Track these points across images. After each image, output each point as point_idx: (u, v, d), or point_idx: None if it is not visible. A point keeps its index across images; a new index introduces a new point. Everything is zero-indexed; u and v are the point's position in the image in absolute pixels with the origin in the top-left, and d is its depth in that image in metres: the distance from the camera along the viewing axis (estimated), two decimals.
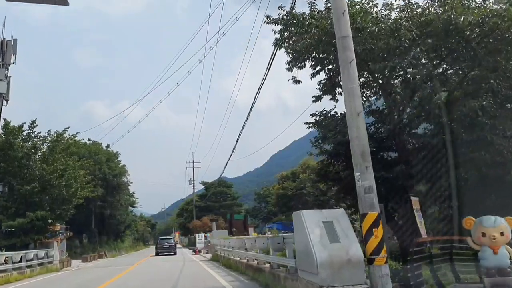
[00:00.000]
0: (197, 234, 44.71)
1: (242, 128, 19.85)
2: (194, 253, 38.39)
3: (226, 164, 37.92)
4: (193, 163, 65.19)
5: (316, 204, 34.47)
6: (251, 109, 17.06)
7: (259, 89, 14.57)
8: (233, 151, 24.75)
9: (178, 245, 54.40)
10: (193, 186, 65.21)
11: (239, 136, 21.17)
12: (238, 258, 17.13)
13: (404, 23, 11.71)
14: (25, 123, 24.48)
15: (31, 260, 21.85)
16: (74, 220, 45.13)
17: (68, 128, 25.91)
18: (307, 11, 12.69)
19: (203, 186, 74.17)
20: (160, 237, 46.78)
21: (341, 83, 11.01)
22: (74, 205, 25.84)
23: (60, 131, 25.57)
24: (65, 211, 25.27)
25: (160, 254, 36.93)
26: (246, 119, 18.32)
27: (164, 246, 38.46)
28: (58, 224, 33.28)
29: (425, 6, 12.24)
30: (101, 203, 44.37)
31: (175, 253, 37.64)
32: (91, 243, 46.77)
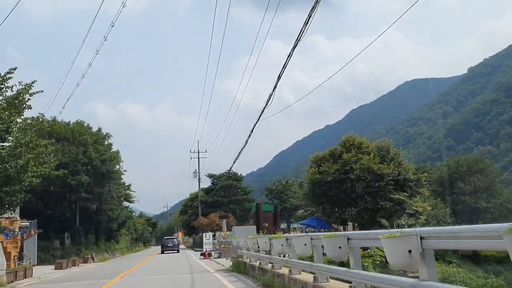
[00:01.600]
0: (204, 233, 38.51)
1: (251, 133, 20.73)
2: (202, 256, 29.75)
3: (237, 158, 30.24)
4: (198, 152, 56.46)
5: (367, 192, 25.64)
6: (261, 114, 17.05)
7: (274, 90, 14.43)
8: (239, 153, 26.16)
9: (181, 246, 58.12)
10: (199, 177, 56.36)
11: (247, 140, 22.38)
12: (301, 276, 8.42)
13: None
14: None
15: None
16: (53, 215, 36.71)
17: (15, 68, 16.82)
18: None
19: (209, 179, 65.69)
20: (165, 238, 53.08)
21: None
22: (26, 187, 17.01)
23: (3, 73, 16.60)
24: (9, 196, 16.38)
25: (165, 252, 43.08)
26: (255, 125, 18.63)
27: (168, 245, 44.81)
28: (18, 218, 24.85)
29: None
30: (86, 194, 35.60)
31: (178, 251, 43.78)
32: (75, 244, 38.10)
